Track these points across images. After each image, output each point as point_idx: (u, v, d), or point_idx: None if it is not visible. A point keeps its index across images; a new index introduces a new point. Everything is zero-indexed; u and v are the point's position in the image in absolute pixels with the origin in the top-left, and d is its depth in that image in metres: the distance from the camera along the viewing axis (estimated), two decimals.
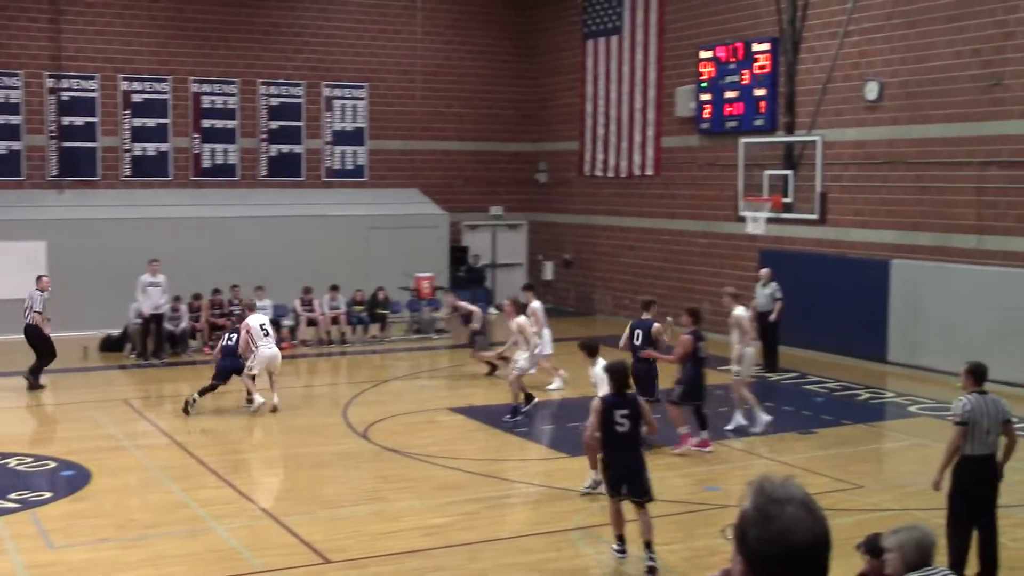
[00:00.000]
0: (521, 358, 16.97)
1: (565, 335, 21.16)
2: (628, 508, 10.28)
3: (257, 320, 17.31)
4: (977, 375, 9.53)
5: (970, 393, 9.40)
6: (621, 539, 10.30)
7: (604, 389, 11.30)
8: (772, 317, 19.91)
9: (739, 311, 15.72)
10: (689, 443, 14.32)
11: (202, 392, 16.90)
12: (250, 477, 13.40)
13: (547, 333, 18.99)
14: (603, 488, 10.61)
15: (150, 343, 21.77)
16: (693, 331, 14.34)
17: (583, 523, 11.44)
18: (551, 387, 18.59)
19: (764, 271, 20.37)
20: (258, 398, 16.79)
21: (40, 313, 18.88)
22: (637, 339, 14.76)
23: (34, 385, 18.64)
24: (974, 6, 18.95)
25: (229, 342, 17.08)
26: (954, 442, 9.30)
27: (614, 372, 10.50)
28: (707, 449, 14.30)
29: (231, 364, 16.99)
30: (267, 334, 17.22)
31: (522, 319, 17.31)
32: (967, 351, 19.03)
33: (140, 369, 21.00)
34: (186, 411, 16.67)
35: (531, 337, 17.12)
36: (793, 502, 2.62)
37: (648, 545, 9.99)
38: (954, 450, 9.32)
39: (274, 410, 16.80)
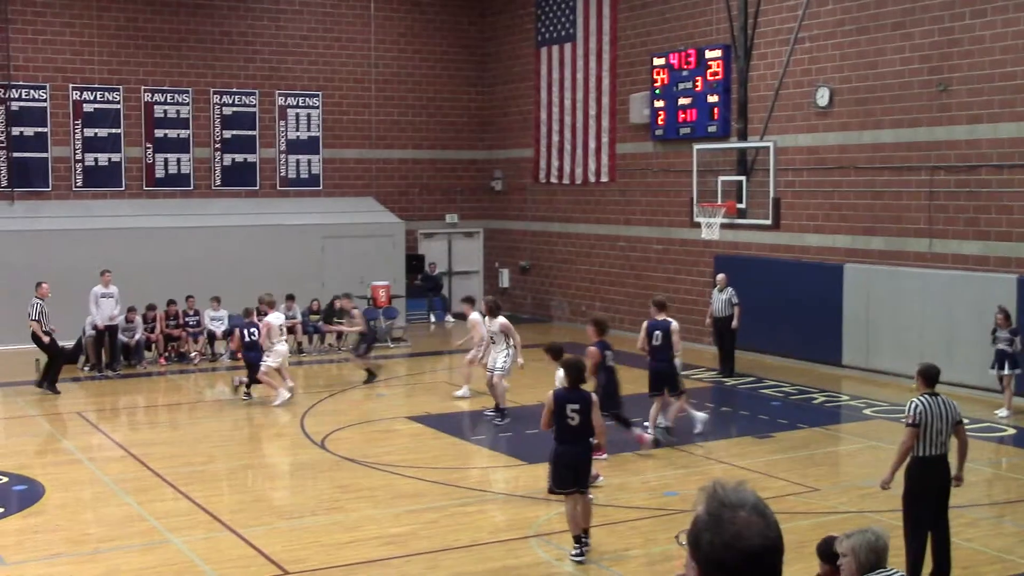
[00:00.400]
0: (499, 359, 16.86)
1: (524, 342, 21.14)
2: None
3: (277, 319, 19.04)
4: (929, 377, 9.64)
5: (922, 395, 9.51)
6: (578, 540, 10.50)
7: None
8: (734, 324, 20.07)
9: (673, 324, 15.77)
10: (644, 442, 14.57)
11: (249, 385, 18.71)
12: (207, 488, 13.28)
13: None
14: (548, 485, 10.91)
15: (104, 355, 21.56)
16: (599, 342, 14.42)
17: (542, 530, 11.46)
18: (458, 393, 18.68)
19: (720, 276, 20.51)
20: (283, 392, 18.35)
21: (37, 321, 19.22)
22: (657, 340, 15.07)
23: (51, 390, 19.31)
24: (921, 13, 19.22)
25: (253, 337, 18.65)
26: (906, 443, 9.40)
27: (569, 367, 10.79)
28: (602, 456, 14.04)
29: (256, 356, 18.55)
30: (282, 332, 19.10)
31: (502, 319, 17.24)
32: (920, 354, 19.29)
33: (94, 381, 20.78)
34: (249, 395, 18.68)
35: (514, 334, 17.09)
36: (746, 507, 2.64)
37: (585, 532, 10.60)
38: (906, 451, 9.42)
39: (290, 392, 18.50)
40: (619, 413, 14.56)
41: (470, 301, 19.27)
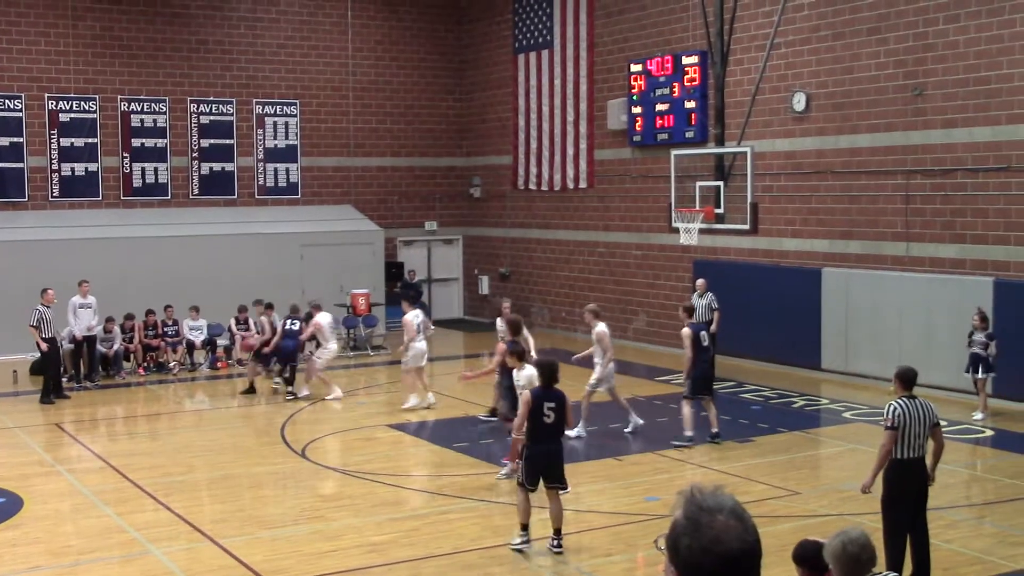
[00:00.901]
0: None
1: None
2: (535, 499, 10.89)
3: (326, 319, 19.58)
4: (906, 380, 9.69)
5: (900, 398, 9.56)
6: (526, 529, 10.89)
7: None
8: (712, 328, 20.08)
9: (600, 328, 15.93)
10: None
11: (288, 382, 19.58)
12: (188, 499, 13.23)
13: (422, 346, 18.29)
14: (518, 477, 11.10)
15: (83, 366, 21.45)
16: (511, 341, 14.48)
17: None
18: (407, 404, 18.23)
19: (700, 282, 20.55)
20: (337, 389, 19.20)
21: (36, 328, 19.33)
22: (704, 341, 15.59)
23: (59, 396, 19.63)
24: (896, 19, 19.35)
25: (292, 326, 19.57)
26: (885, 446, 9.45)
27: (543, 368, 11.10)
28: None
29: (293, 345, 19.50)
30: (333, 330, 19.79)
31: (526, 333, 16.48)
32: (898, 357, 19.38)
33: (72, 392, 20.65)
34: (293, 394, 19.33)
35: (528, 338, 16.45)
36: (724, 511, 2.65)
37: (558, 532, 10.85)
38: (886, 455, 9.47)
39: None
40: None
41: (409, 299, 19.29)
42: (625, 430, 16.32)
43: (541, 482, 10.87)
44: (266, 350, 19.87)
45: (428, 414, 18.07)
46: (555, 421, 10.77)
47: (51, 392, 19.52)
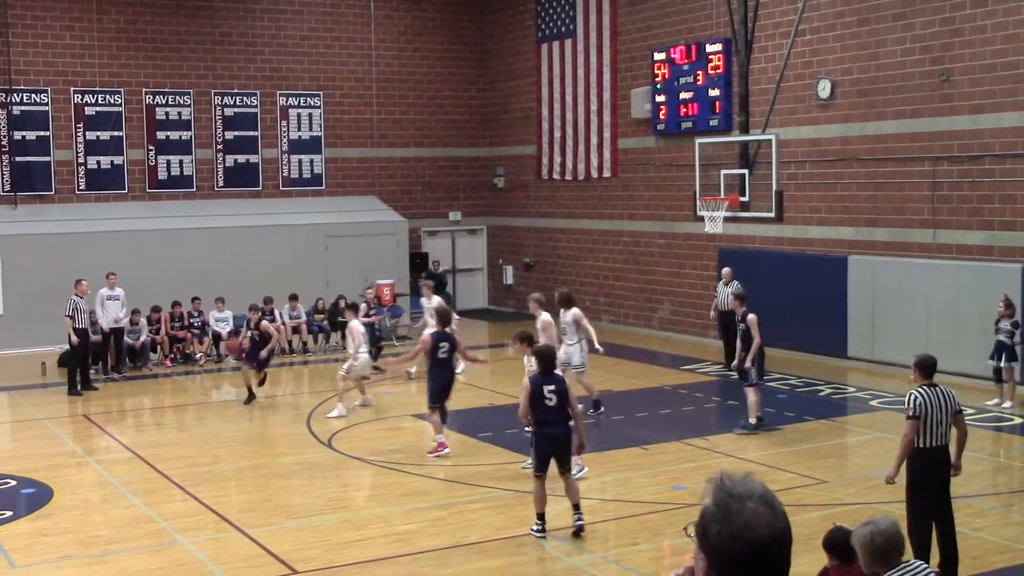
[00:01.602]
0: (574, 357, 16.19)
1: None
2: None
3: (361, 324, 18.00)
4: (926, 368, 9.61)
5: (920, 386, 9.49)
6: (542, 518, 10.97)
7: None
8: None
9: (546, 317, 15.78)
10: (441, 451, 14.57)
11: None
12: (215, 489, 13.30)
13: (366, 357, 17.99)
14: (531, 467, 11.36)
15: (110, 357, 21.58)
16: (437, 332, 14.68)
17: (550, 525, 11.44)
18: (333, 413, 17.28)
19: (726, 270, 20.46)
20: (342, 407, 17.34)
21: (70, 317, 19.41)
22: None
23: (86, 388, 19.76)
24: (922, 3, 19.18)
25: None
26: (908, 436, 9.38)
27: (540, 355, 11.30)
28: (445, 451, 14.55)
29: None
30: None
31: (575, 310, 16.29)
32: (925, 345, 19.27)
33: (100, 384, 20.75)
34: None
35: (588, 328, 16.36)
36: (753, 497, 2.63)
37: (576, 507, 11.04)
38: (909, 444, 9.40)
39: (364, 405, 17.77)
40: (443, 407, 14.76)
41: (353, 308, 18.78)
42: (590, 411, 16.34)
43: (554, 467, 10.96)
44: (262, 353, 18.53)
45: (456, 403, 18.01)
46: (558, 404, 10.90)
47: (78, 384, 19.63)
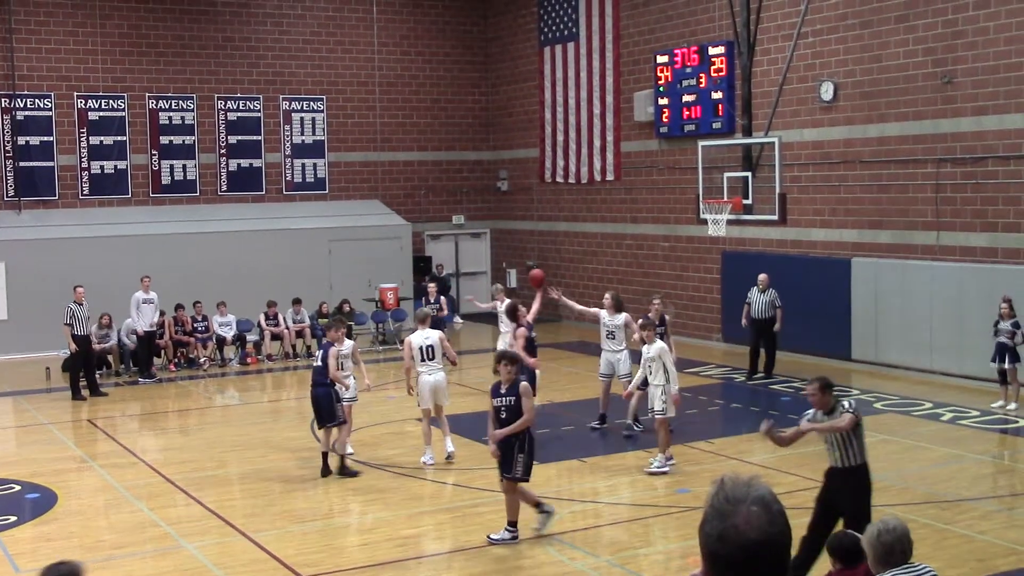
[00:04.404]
0: (620, 362, 15.86)
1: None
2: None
3: (419, 338, 14.46)
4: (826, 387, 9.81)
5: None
6: (539, 505, 11.15)
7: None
8: (776, 327, 19.69)
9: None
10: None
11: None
12: (219, 493, 13.30)
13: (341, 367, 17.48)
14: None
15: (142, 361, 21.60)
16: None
17: (553, 530, 11.45)
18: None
19: (762, 277, 19.79)
20: (428, 454, 14.23)
21: (68, 325, 19.34)
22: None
23: (93, 393, 19.70)
24: (924, 5, 19.18)
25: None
26: (839, 425, 9.49)
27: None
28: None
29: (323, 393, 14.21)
30: (431, 356, 14.37)
31: (625, 314, 15.97)
32: (929, 346, 19.28)
33: (134, 385, 20.71)
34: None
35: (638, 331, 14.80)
36: (748, 501, 2.65)
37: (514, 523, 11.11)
38: (831, 428, 9.76)
39: (448, 458, 14.27)
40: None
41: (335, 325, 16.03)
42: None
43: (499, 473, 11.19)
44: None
45: (458, 407, 17.98)
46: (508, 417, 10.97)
47: (81, 389, 19.62)
